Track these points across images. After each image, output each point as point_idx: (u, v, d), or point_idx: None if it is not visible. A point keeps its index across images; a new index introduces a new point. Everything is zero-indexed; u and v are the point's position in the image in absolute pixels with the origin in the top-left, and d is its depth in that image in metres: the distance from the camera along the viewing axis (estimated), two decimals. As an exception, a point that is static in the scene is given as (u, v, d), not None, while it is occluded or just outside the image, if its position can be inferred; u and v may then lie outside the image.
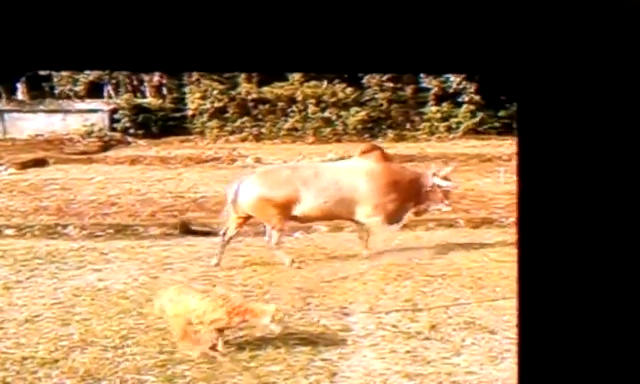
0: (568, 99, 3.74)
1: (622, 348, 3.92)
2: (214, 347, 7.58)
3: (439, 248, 11.22)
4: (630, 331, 3.90)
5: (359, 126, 23.03)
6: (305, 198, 10.92)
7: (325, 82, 23.36)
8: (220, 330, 7.58)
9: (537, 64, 3.74)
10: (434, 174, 11.42)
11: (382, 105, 23.34)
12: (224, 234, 10.95)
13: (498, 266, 10.43)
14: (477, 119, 22.86)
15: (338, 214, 11.22)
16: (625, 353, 3.92)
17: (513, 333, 7.94)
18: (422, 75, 22.32)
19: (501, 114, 22.97)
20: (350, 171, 11.25)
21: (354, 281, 9.86)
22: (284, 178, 11.07)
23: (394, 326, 8.26)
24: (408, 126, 23.35)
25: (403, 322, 8.40)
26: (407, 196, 11.31)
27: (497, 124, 22.91)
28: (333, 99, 23.36)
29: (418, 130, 23.09)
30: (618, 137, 3.73)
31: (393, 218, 11.25)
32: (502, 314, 8.52)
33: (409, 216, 11.51)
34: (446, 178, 11.46)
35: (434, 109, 23.15)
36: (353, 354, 7.56)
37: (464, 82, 23.02)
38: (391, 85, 23.26)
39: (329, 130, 23.15)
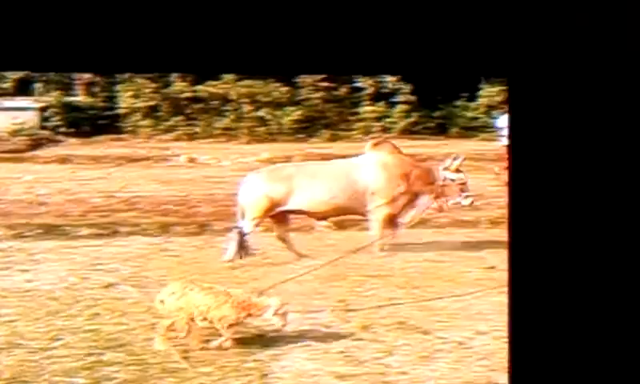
0: (558, 101, 3.76)
1: (611, 347, 3.95)
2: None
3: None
4: (618, 328, 3.94)
5: (294, 126, 23.02)
6: (311, 193, 11.12)
7: (259, 81, 23.30)
8: (230, 326, 7.70)
9: (530, 64, 3.76)
10: (445, 168, 11.58)
11: (316, 104, 23.34)
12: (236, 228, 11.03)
13: (431, 265, 10.51)
14: (411, 119, 22.98)
15: (351, 209, 11.41)
16: (613, 351, 3.96)
17: (445, 333, 8.01)
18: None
19: (435, 114, 23.14)
20: (365, 166, 11.45)
21: (287, 281, 9.82)
22: (284, 176, 11.30)
23: (326, 327, 8.26)
24: (343, 125, 23.38)
25: (336, 323, 8.40)
26: (418, 190, 11.49)
27: (431, 124, 23.06)
28: (267, 98, 23.31)
29: (352, 129, 23.14)
30: (606, 138, 3.76)
31: (400, 211, 11.41)
32: (435, 314, 8.58)
33: (426, 212, 11.65)
34: (457, 171, 11.61)
35: (368, 109, 23.21)
36: (285, 355, 7.55)
37: (399, 83, 23.13)
38: (326, 84, 23.28)
39: (263, 129, 23.09)
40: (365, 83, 23.39)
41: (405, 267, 10.43)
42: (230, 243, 10.93)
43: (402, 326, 8.19)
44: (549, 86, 3.82)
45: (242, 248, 10.93)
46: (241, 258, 10.82)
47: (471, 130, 22.91)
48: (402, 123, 22.93)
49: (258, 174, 11.66)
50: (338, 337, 7.76)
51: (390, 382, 7.11)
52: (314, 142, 22.19)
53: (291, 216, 11.41)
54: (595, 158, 3.84)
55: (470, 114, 23.54)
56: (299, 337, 7.86)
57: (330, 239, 11.78)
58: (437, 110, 23.20)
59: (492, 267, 10.47)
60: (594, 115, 3.81)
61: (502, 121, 16.88)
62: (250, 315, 7.67)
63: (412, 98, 23.08)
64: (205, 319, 7.70)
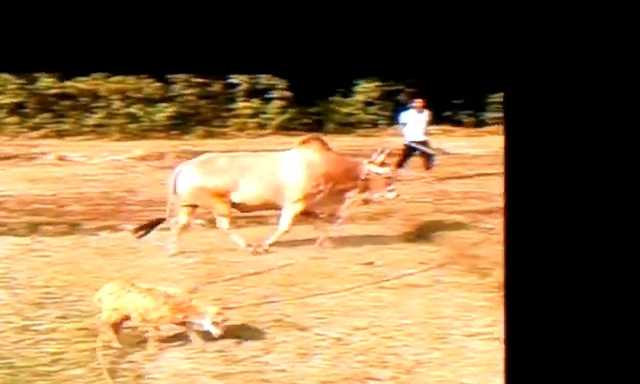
0: (553, 99, 3.81)
1: (607, 349, 4.01)
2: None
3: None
4: (615, 330, 4.00)
5: (167, 122, 22.86)
6: (242, 187, 11.31)
7: (130, 77, 23.06)
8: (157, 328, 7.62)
9: (525, 63, 3.80)
10: (370, 162, 11.77)
11: (190, 101, 23.23)
12: (175, 223, 11.26)
13: (308, 262, 10.57)
14: (287, 115, 23.07)
15: (277, 204, 11.58)
16: (609, 353, 4.02)
17: (323, 329, 8.06)
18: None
19: (311, 110, 23.29)
20: (289, 161, 11.59)
21: (162, 280, 9.76)
22: (220, 167, 11.40)
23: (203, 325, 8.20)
24: (217, 122, 23.32)
25: (213, 321, 8.35)
26: (343, 186, 11.67)
27: (307, 120, 23.21)
28: (139, 95, 23.09)
29: (227, 126, 23.11)
30: (600, 141, 3.82)
31: (320, 208, 11.71)
32: (313, 310, 8.63)
33: (351, 207, 11.81)
34: (383, 164, 11.80)
35: (243, 105, 23.22)
36: (160, 355, 7.49)
37: (274, 79, 23.20)
38: (199, 80, 23.18)
39: (135, 126, 22.87)
40: (239, 79, 23.39)
41: (282, 264, 10.46)
42: (234, 236, 11.32)
43: (280, 324, 8.20)
44: (542, 89, 3.88)
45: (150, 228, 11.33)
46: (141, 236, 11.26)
47: (348, 126, 23.18)
48: (278, 119, 23.02)
49: (191, 164, 11.65)
50: (215, 335, 7.72)
51: (268, 380, 7.11)
52: (188, 139, 22.09)
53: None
54: (589, 161, 3.92)
55: (346, 110, 23.79)
56: (175, 336, 7.81)
57: (204, 237, 11.76)
58: (312, 106, 23.37)
59: (370, 263, 10.60)
60: (588, 117, 3.88)
61: (405, 116, 17.07)
62: (186, 317, 7.59)
63: (287, 93, 23.20)
64: (144, 320, 7.61)
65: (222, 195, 11.28)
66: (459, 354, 7.42)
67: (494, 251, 10.83)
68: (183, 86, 23.23)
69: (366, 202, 11.87)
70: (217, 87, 23.50)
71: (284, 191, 11.44)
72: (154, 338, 7.63)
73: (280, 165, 11.55)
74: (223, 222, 11.36)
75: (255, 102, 23.27)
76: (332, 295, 9.19)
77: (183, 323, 7.61)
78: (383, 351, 7.52)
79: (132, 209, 14.05)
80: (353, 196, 11.70)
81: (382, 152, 11.99)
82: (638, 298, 4.01)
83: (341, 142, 14.85)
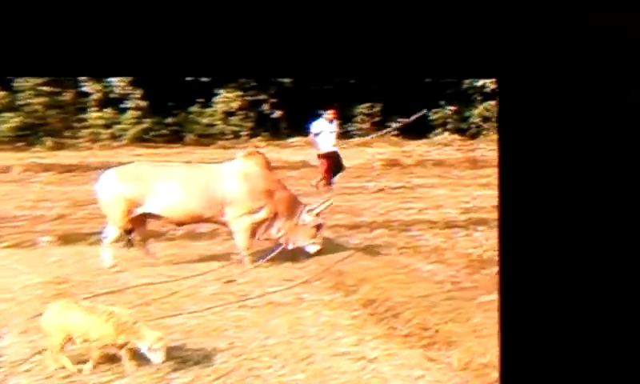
0: (549, 100, 3.79)
1: (604, 352, 4.00)
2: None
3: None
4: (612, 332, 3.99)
5: (12, 134, 22.40)
6: (163, 197, 11.15)
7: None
8: (105, 346, 7.47)
9: (522, 64, 3.77)
10: (309, 210, 11.64)
11: (37, 110, 22.81)
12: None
13: (166, 280, 10.45)
14: (143, 126, 22.88)
15: (207, 216, 11.39)
16: (606, 355, 4.01)
17: (181, 351, 7.96)
18: (81, 79, 22.15)
19: (168, 120, 23.15)
20: (227, 173, 11.43)
21: (8, 301, 9.52)
22: (137, 174, 11.26)
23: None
24: (68, 133, 22.96)
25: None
26: (278, 214, 11.52)
27: (165, 131, 23.07)
28: (-19, 104, 22.58)
29: (78, 137, 22.79)
30: (596, 140, 3.82)
31: (259, 229, 11.45)
32: (171, 331, 8.53)
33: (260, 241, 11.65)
34: (318, 215, 11.67)
35: (95, 115, 22.93)
36: (4, 382, 7.29)
37: (128, 87, 22.98)
38: (48, 89, 22.77)
39: (-23, 137, 22.35)
40: (91, 88, 23.09)
41: (137, 283, 10.32)
42: (106, 252, 11.10)
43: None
44: (538, 86, 3.87)
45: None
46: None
47: (208, 138, 23.13)
48: (133, 130, 22.81)
49: (112, 170, 11.45)
50: (74, 361, 7.55)
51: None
52: (36, 151, 21.68)
53: (149, 221, 11.46)
54: (585, 161, 3.92)
55: (205, 121, 23.73)
56: (20, 359, 7.62)
57: (53, 255, 11.51)
58: (170, 116, 23.25)
59: (231, 281, 10.54)
60: (582, 116, 3.88)
61: (317, 126, 16.99)
62: (127, 340, 7.40)
63: (143, 103, 23.00)
64: (85, 341, 7.41)
65: (132, 204, 11.12)
66: (324, 375, 7.42)
67: (360, 267, 10.91)
68: (30, 94, 22.77)
69: (286, 243, 11.69)
70: (67, 96, 23.12)
71: (218, 205, 11.28)
72: (95, 360, 7.47)
73: (219, 177, 11.39)
74: (112, 233, 11.16)
75: (108, 112, 22.99)
76: (191, 315, 9.11)
77: (121, 346, 7.44)
78: (245, 373, 7.48)
79: (-26, 225, 13.68)
80: (279, 229, 11.57)
81: (329, 206, 11.99)
82: (634, 299, 4.08)
83: (202, 154, 14.71)
